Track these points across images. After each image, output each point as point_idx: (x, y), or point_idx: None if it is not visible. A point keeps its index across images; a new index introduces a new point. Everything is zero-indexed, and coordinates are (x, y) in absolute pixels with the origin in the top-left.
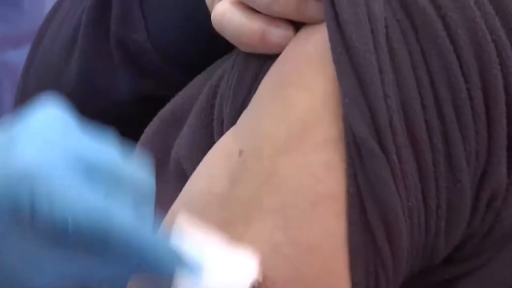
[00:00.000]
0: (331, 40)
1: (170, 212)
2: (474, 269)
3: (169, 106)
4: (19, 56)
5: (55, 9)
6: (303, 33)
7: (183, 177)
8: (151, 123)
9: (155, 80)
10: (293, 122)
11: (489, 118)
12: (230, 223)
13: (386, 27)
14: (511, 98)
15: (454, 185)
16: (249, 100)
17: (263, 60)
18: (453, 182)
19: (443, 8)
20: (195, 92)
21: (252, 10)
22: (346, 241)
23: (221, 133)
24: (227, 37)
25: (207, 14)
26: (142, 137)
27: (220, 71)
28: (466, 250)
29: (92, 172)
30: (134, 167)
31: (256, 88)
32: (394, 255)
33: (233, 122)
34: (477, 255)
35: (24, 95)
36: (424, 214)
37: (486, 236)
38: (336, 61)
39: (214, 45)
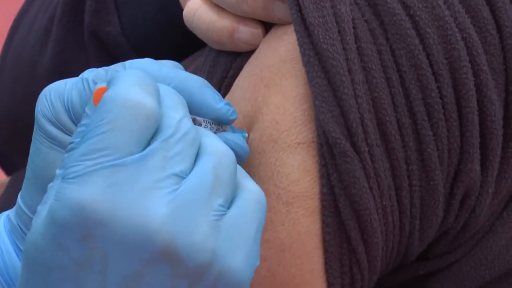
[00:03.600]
0: (299, 43)
1: None
2: (449, 265)
3: None
4: None
5: (30, 0)
6: (274, 33)
7: None
8: None
9: None
10: (265, 123)
11: (461, 116)
12: None
13: (354, 27)
14: (483, 96)
15: (427, 183)
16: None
17: (233, 57)
18: (426, 180)
19: (412, 7)
20: None
21: (222, 8)
22: (320, 241)
23: None
24: (198, 34)
25: (179, 8)
26: None
27: (193, 68)
28: (440, 246)
29: None
30: None
31: (227, 85)
32: (369, 254)
33: None
34: (451, 251)
35: None
36: (398, 212)
37: (460, 232)
38: (306, 63)
39: (187, 39)
